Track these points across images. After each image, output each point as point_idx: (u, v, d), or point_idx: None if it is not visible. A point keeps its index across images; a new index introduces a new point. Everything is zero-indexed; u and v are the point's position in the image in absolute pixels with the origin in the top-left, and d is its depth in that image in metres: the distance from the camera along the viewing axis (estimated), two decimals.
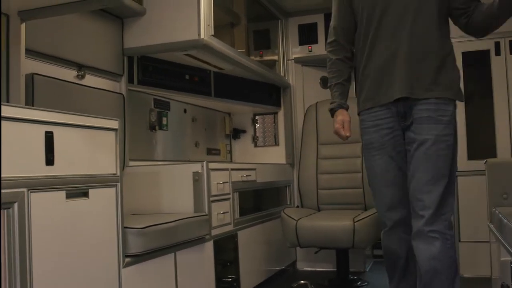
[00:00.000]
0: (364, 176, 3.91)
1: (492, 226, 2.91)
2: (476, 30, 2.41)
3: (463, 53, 4.00)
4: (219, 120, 4.65)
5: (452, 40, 3.89)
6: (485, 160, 3.10)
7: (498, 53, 3.93)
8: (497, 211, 2.72)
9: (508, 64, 3.92)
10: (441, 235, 2.24)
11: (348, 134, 2.47)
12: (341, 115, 2.49)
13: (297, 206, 4.35)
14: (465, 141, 3.99)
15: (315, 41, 4.54)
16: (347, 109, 2.54)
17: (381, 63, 2.37)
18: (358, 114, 2.54)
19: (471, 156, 3.95)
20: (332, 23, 2.61)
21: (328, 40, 2.63)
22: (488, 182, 3.03)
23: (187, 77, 3.67)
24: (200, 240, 2.86)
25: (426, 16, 2.33)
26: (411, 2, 2.33)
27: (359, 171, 4.03)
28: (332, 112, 2.55)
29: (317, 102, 4.36)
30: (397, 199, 2.42)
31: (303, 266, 4.52)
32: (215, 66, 3.71)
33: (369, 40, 2.41)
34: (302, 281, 3.85)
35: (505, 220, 2.36)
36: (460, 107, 3.95)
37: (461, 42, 3.97)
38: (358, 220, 3.37)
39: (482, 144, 3.98)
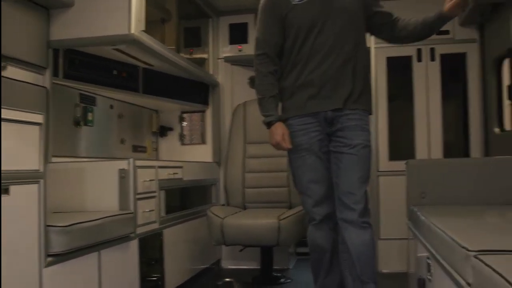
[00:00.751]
0: (289, 175, 3.98)
1: (410, 223, 3.05)
2: (404, 41, 2.81)
3: (388, 58, 4.17)
4: (146, 117, 4.58)
5: (378, 45, 4.10)
6: (405, 161, 3.24)
7: (419, 59, 4.13)
8: (415, 209, 2.86)
9: (429, 70, 4.12)
10: (369, 225, 2.58)
11: (290, 146, 2.58)
12: (280, 128, 2.60)
13: (223, 205, 4.36)
14: (387, 143, 4.16)
15: (245, 41, 4.56)
16: (284, 121, 2.62)
17: (316, 78, 2.56)
18: (285, 120, 2.63)
19: (392, 157, 4.13)
20: (260, 36, 2.67)
21: (257, 53, 2.67)
22: (408, 182, 3.18)
23: (115, 72, 3.60)
24: (125, 239, 2.82)
25: (357, 37, 2.60)
26: (346, 24, 2.55)
27: (285, 170, 4.10)
28: (270, 124, 2.61)
29: (245, 101, 4.39)
30: (324, 194, 2.64)
31: (228, 264, 4.55)
32: (144, 62, 3.66)
33: (304, 55, 2.57)
34: (227, 279, 3.87)
35: (423, 217, 2.49)
36: (383, 110, 4.13)
37: (386, 48, 4.14)
38: (283, 218, 3.43)
39: (403, 145, 4.16)
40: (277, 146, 2.61)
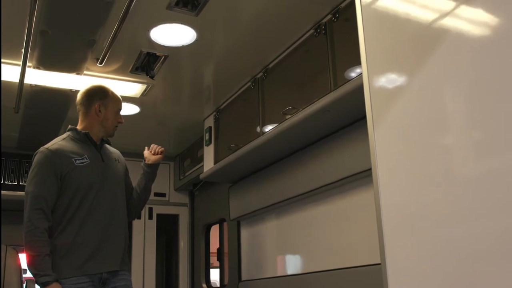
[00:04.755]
0: None
1: None
2: (137, 211, 3.04)
3: None
4: None
5: None
6: None
7: (139, 216, 4.51)
8: None
9: (147, 227, 4.54)
10: None
11: None
12: None
13: None
14: None
15: None
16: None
17: (94, 238, 2.62)
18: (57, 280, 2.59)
19: None
20: (37, 191, 2.58)
21: (34, 207, 2.57)
22: None
23: None
24: None
25: (124, 202, 2.82)
26: (117, 188, 2.76)
27: None
28: (46, 284, 2.53)
29: None
30: None
31: None
32: None
33: (82, 214, 2.62)
34: None
35: None
36: None
37: None
38: None
39: None
40: None
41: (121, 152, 2.89)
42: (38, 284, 2.57)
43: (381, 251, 1.51)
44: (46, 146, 2.67)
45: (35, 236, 2.55)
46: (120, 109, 2.77)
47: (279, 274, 3.40)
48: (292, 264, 3.36)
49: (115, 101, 2.75)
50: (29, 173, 2.65)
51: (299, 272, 3.19)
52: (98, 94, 2.73)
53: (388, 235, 1.51)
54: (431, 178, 1.39)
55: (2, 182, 4.24)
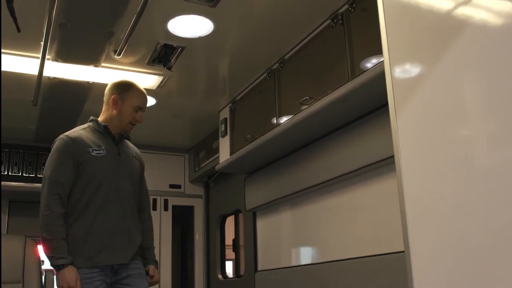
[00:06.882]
0: None
1: None
2: None
3: None
4: None
5: None
6: None
7: (154, 208, 4.54)
8: None
9: (162, 218, 4.57)
10: None
11: None
12: (74, 273, 2.52)
13: None
14: None
15: None
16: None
17: (105, 232, 2.63)
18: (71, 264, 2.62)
19: None
20: (55, 176, 2.60)
21: (52, 192, 2.58)
22: None
23: None
24: None
25: (136, 202, 2.81)
26: (131, 183, 2.75)
27: None
28: (61, 267, 2.55)
29: None
30: None
31: None
32: None
33: (95, 204, 2.62)
34: None
35: None
36: None
37: None
38: None
39: None
40: None
41: (137, 145, 2.90)
42: (53, 267, 2.53)
43: (404, 239, 1.51)
44: (66, 133, 2.67)
45: (52, 220, 2.54)
46: (139, 106, 2.71)
47: (296, 263, 3.42)
48: (309, 254, 3.38)
49: (135, 97, 2.71)
50: (48, 158, 2.66)
51: (317, 261, 3.21)
52: (119, 87, 2.72)
53: (411, 222, 1.52)
54: (452, 167, 1.39)
55: (20, 174, 4.29)
